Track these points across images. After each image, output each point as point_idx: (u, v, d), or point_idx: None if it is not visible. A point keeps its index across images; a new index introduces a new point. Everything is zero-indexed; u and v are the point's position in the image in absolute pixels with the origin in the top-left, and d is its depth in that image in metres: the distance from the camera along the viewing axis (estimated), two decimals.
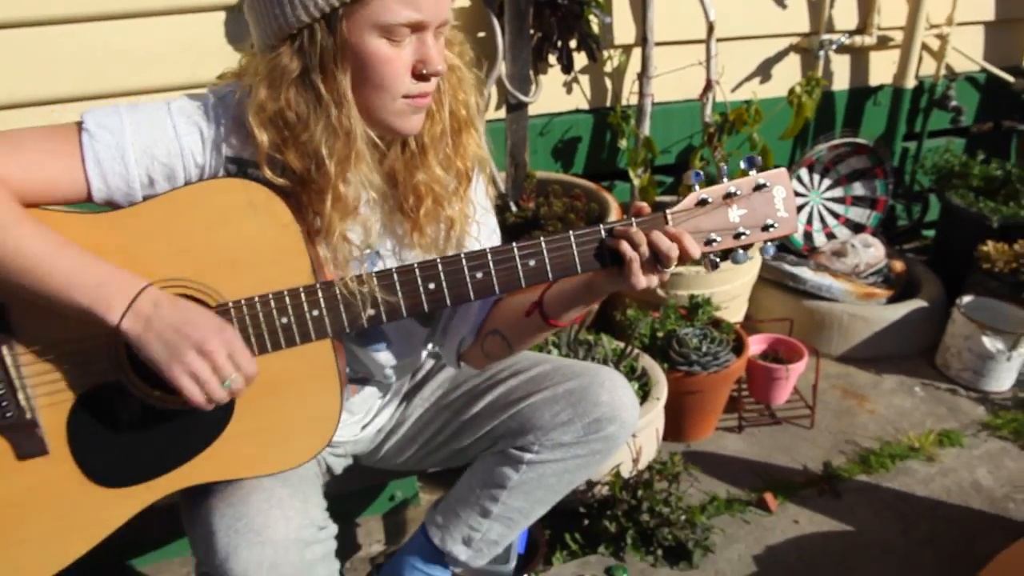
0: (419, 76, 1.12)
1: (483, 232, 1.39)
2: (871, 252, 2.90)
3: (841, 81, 3.06)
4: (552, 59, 2.53)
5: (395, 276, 1.16)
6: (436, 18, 1.10)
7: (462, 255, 1.16)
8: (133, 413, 1.14)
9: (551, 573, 1.92)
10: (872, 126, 3.19)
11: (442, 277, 1.16)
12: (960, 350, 2.60)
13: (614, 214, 2.35)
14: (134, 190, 1.13)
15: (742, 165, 1.22)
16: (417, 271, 1.15)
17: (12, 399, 1.12)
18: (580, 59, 2.58)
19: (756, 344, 2.48)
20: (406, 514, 2.06)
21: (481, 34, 2.44)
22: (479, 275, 1.16)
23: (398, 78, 1.11)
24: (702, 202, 1.18)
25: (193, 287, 1.11)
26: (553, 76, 2.61)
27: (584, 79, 2.70)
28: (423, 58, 1.11)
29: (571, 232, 1.17)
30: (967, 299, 2.67)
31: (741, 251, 1.23)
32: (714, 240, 1.20)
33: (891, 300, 2.81)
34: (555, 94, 2.65)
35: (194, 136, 1.15)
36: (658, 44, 2.59)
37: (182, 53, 2.12)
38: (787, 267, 2.82)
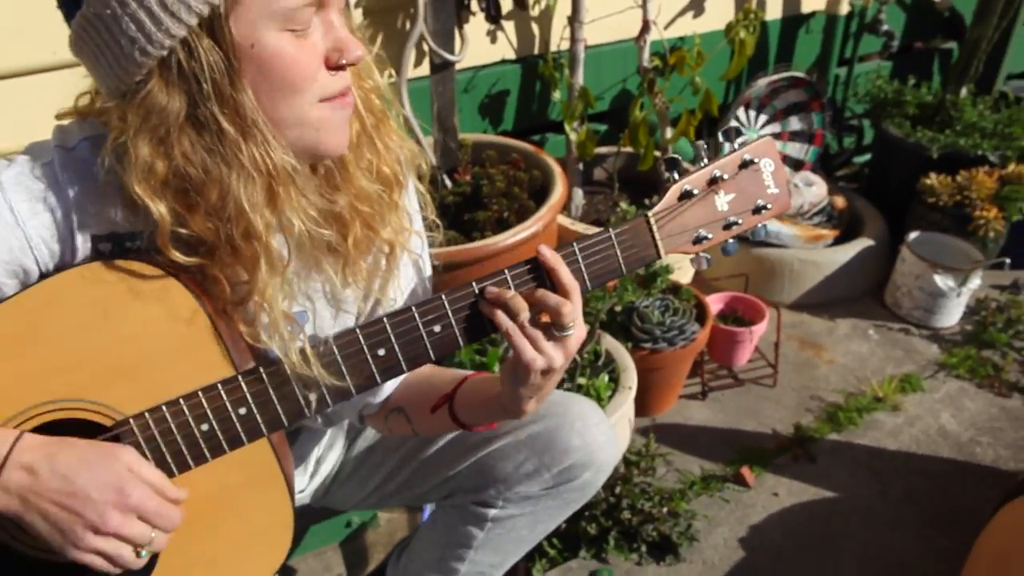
0: (335, 67, 0.87)
1: (424, 247, 1.16)
2: (813, 191, 2.80)
3: (774, 10, 2.89)
4: (475, 6, 2.25)
5: (334, 347, 0.92)
6: None
7: (413, 308, 0.92)
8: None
9: None
10: (805, 56, 3.05)
11: (392, 339, 0.92)
12: (911, 289, 2.56)
13: (558, 181, 2.13)
14: None
15: (720, 139, 1.04)
16: (360, 336, 0.92)
17: None
18: (505, 4, 2.31)
19: (713, 304, 2.35)
20: (366, 539, 1.87)
21: None
22: (438, 328, 0.93)
23: (312, 77, 0.85)
24: (685, 195, 0.98)
25: (78, 409, 0.86)
26: (475, 26, 2.33)
27: (509, 26, 2.43)
28: (337, 44, 0.85)
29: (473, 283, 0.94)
30: (914, 235, 2.61)
31: (731, 241, 1.05)
32: (704, 238, 1.01)
33: (837, 240, 2.74)
34: (479, 46, 2.38)
35: (43, 218, 0.85)
36: None
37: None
38: None
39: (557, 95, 2.47)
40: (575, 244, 0.94)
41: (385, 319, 0.92)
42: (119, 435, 0.87)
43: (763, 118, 2.95)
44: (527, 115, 2.59)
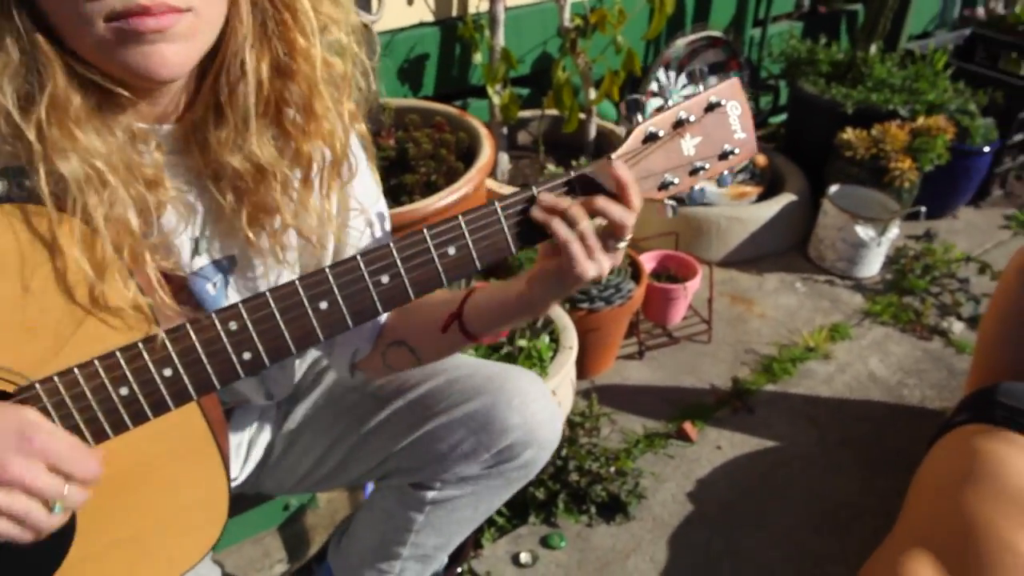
0: None
1: (366, 234, 1.05)
2: None
3: None
4: None
5: (270, 301, 0.82)
6: None
7: (358, 257, 0.84)
8: None
9: (484, 556, 1.73)
10: (721, 16, 3.06)
11: (336, 291, 0.84)
12: (834, 241, 2.61)
13: (485, 142, 2.07)
14: None
15: (624, 110, 0.99)
16: (300, 289, 0.83)
17: None
18: None
19: (646, 263, 2.34)
20: (305, 522, 1.78)
21: None
22: (385, 279, 0.85)
23: None
24: (650, 137, 0.92)
25: None
26: None
27: None
28: None
29: (495, 203, 0.87)
30: (834, 189, 2.66)
31: (696, 188, 1.02)
32: (671, 183, 0.95)
33: (760, 197, 2.77)
34: (396, 7, 2.28)
35: None
36: None
37: None
38: None
39: (478, 58, 2.40)
40: (534, 188, 0.87)
41: (327, 270, 0.83)
42: (24, 401, 0.76)
43: (683, 79, 2.95)
44: (448, 79, 2.51)
